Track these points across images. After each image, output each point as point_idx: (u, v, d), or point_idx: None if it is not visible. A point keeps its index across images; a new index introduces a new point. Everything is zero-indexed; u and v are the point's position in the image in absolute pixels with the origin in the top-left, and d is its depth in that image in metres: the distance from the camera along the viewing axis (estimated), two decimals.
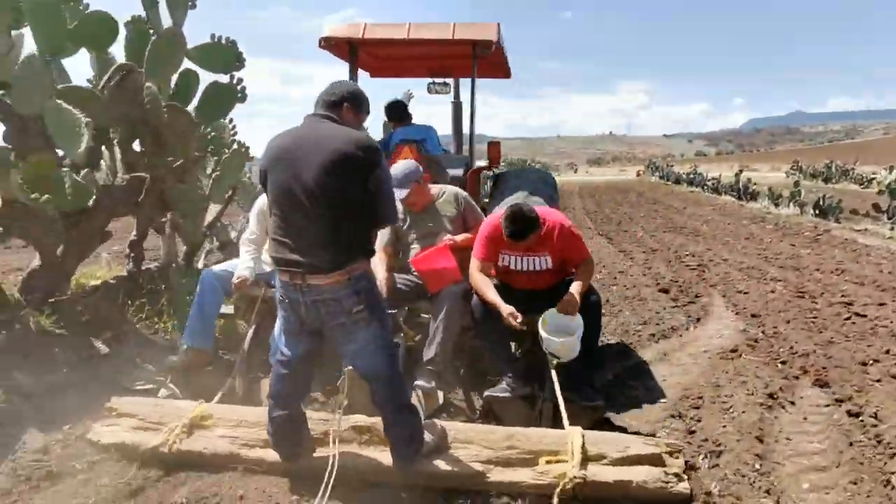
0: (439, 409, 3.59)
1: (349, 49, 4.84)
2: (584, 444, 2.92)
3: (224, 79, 4.82)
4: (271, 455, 3.04)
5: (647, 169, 55.24)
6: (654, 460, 2.89)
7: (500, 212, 3.57)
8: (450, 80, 5.98)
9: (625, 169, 72.12)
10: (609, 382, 4.32)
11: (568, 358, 3.46)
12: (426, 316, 3.79)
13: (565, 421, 3.13)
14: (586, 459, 2.88)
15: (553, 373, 3.36)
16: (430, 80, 5.86)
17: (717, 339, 5.35)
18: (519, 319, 3.33)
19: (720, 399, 3.97)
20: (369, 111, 2.86)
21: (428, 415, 3.48)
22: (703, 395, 4.06)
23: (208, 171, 5.35)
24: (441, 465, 2.91)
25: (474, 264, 3.58)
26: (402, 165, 3.81)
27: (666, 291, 7.20)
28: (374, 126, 5.50)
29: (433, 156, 4.61)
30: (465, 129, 6.30)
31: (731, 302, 6.56)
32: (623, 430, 3.48)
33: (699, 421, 3.66)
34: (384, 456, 2.95)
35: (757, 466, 3.15)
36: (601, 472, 2.84)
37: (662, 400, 4.04)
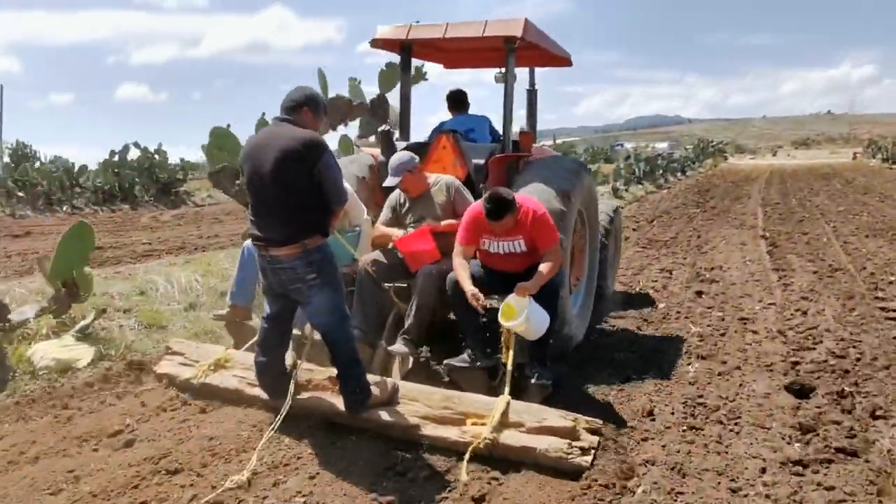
0: (411, 371, 4.05)
1: (401, 47, 5.37)
2: (506, 411, 3.24)
3: None
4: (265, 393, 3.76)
5: (866, 150, 48.19)
6: (567, 433, 3.12)
7: (480, 201, 3.91)
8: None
9: (838, 152, 63.82)
10: None
11: (531, 337, 3.74)
12: None
13: (506, 390, 3.45)
14: (504, 425, 3.21)
15: (510, 349, 3.66)
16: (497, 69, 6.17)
17: None
18: (480, 301, 3.68)
19: None
20: (328, 112, 3.40)
21: (401, 377, 3.98)
22: None
23: None
24: (384, 415, 3.42)
25: (456, 248, 3.96)
26: (396, 156, 4.31)
27: (801, 393, 3.98)
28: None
29: (460, 145, 4.99)
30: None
31: None
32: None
33: None
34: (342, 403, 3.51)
35: None
36: (513, 437, 3.16)
37: None
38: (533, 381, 3.73)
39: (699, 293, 6.81)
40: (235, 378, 3.93)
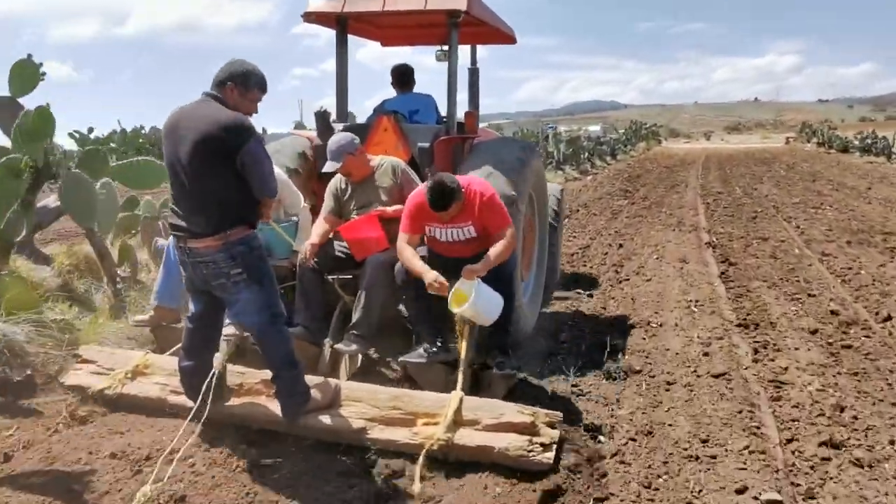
0: (360, 370, 3.81)
1: (337, 21, 5.07)
2: (459, 408, 3.05)
3: None
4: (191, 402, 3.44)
5: (800, 134, 49.60)
6: (526, 429, 2.97)
7: (423, 186, 3.70)
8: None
9: (769, 136, 66.44)
10: None
11: (482, 322, 3.56)
12: None
13: (459, 385, 3.27)
14: (459, 423, 3.03)
15: (465, 340, 3.47)
16: (437, 47, 5.95)
17: None
18: (444, 286, 3.47)
19: None
20: (264, 88, 3.08)
21: (349, 376, 3.74)
22: None
23: None
24: (326, 420, 3.18)
25: (401, 238, 3.74)
26: (335, 138, 4.04)
27: None
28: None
29: (402, 127, 4.76)
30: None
31: None
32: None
33: None
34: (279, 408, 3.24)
35: None
36: (469, 437, 2.98)
37: None
38: (496, 371, 3.56)
39: (592, 439, 3.35)
40: (157, 385, 3.60)
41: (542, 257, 5.43)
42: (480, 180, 3.83)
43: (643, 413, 3.63)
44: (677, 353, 4.52)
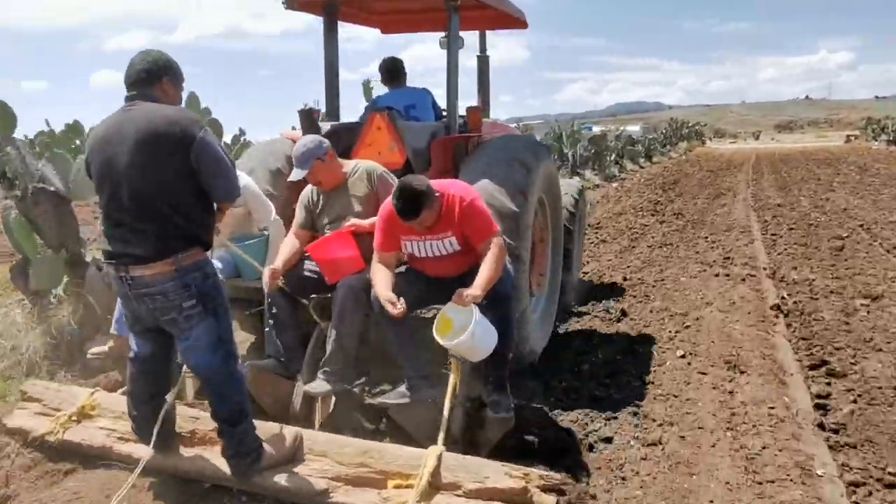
0: (341, 409, 3.36)
1: (324, 8, 4.68)
2: (437, 468, 2.61)
3: None
4: (140, 450, 3.06)
5: (864, 131, 46.23)
6: (516, 496, 2.51)
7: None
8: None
9: (825, 135, 63.85)
10: None
11: (475, 359, 3.09)
12: None
13: (440, 438, 2.82)
14: (435, 487, 2.59)
15: (452, 376, 3.01)
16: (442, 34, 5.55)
17: None
18: (398, 308, 3.02)
19: None
20: (183, 78, 2.78)
21: (321, 421, 3.32)
22: None
23: None
24: (282, 478, 2.78)
25: (374, 256, 3.31)
26: (301, 141, 3.60)
27: None
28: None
29: (398, 125, 4.33)
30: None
31: None
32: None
33: None
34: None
35: None
36: None
37: None
38: (491, 413, 3.11)
39: None
40: (103, 431, 3.24)
41: (556, 269, 4.97)
42: (461, 184, 3.38)
43: None
44: None
